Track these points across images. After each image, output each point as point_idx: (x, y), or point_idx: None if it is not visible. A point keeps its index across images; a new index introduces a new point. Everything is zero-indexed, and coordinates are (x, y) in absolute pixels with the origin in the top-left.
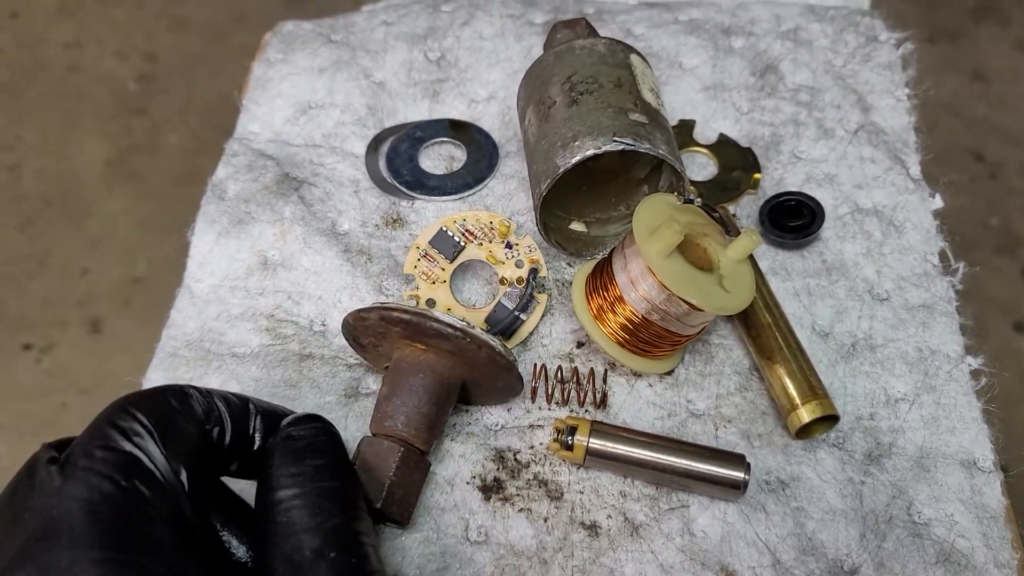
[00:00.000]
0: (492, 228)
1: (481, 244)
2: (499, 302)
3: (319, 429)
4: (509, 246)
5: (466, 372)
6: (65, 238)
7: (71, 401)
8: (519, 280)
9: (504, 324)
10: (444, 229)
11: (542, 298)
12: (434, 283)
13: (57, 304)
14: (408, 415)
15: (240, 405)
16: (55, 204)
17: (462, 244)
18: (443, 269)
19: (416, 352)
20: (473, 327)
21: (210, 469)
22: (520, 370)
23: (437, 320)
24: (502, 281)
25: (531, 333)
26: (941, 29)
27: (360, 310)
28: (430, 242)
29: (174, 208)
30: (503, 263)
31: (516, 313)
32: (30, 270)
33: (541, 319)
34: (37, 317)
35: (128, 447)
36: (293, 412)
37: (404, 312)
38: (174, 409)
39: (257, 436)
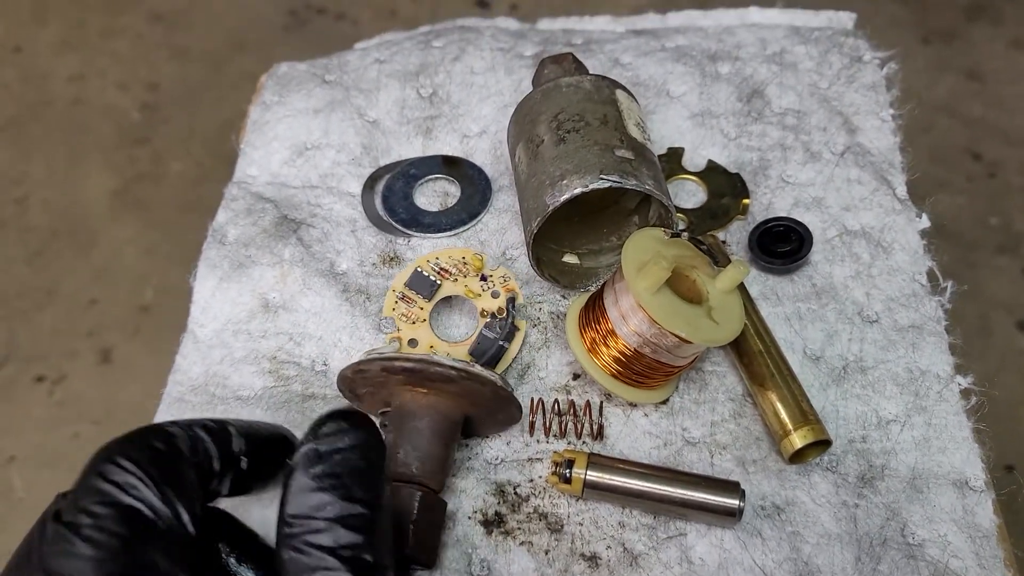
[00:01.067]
0: (465, 263)
1: (456, 280)
2: (482, 334)
3: (350, 437)
4: (484, 278)
5: (468, 408)
6: (73, 269)
7: (84, 432)
8: (500, 311)
9: (490, 354)
10: (419, 270)
11: (522, 324)
12: (414, 323)
13: (67, 335)
14: (421, 459)
15: (219, 429)
16: (62, 235)
17: (438, 282)
18: (422, 308)
19: (418, 396)
20: (474, 365)
21: (207, 501)
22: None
23: (440, 364)
24: (483, 313)
25: (514, 360)
26: (935, 30)
27: (360, 363)
28: (406, 284)
29: (180, 236)
30: (480, 296)
31: (500, 343)
32: (39, 302)
33: (537, 351)
34: (48, 349)
35: (127, 500)
36: (274, 427)
37: (407, 361)
38: (160, 451)
39: (243, 457)
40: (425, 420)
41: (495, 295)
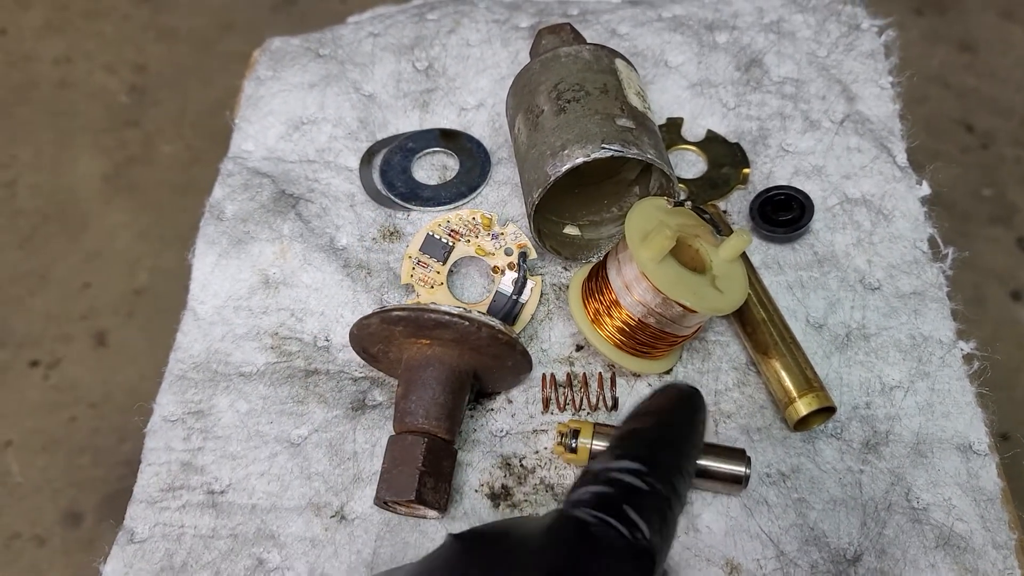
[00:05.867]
0: (476, 223)
1: (469, 241)
2: (496, 291)
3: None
4: (495, 236)
5: (474, 358)
6: (65, 253)
7: (81, 415)
8: (511, 265)
9: (504, 310)
10: (431, 234)
11: (536, 279)
12: (432, 287)
13: (61, 319)
14: (427, 408)
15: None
16: (53, 220)
17: (451, 244)
18: (438, 272)
19: (422, 348)
20: (470, 311)
21: None
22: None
23: (434, 311)
24: (495, 270)
25: (533, 317)
26: (928, 1)
27: (362, 318)
28: (420, 249)
29: (172, 218)
30: (493, 254)
31: (514, 297)
32: (32, 286)
33: (540, 323)
34: (42, 333)
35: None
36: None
37: (402, 310)
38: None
39: None
40: (429, 370)
41: (508, 252)
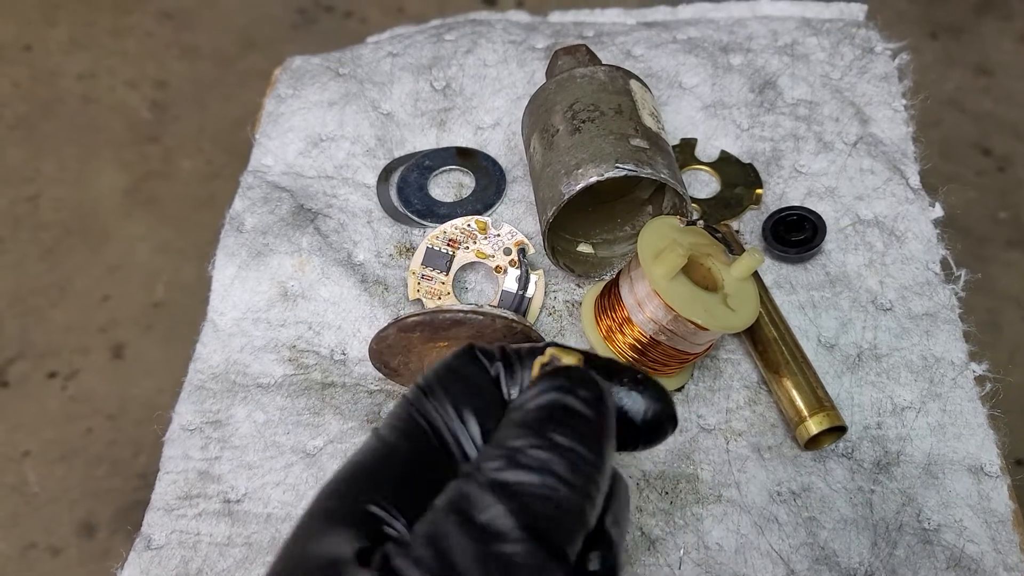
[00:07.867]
0: (471, 229)
1: (468, 248)
2: (502, 290)
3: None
4: (492, 239)
5: None
6: (85, 266)
7: (97, 426)
8: (512, 263)
9: (512, 307)
10: (430, 247)
11: (538, 273)
12: (439, 298)
13: (80, 331)
14: None
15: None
16: (75, 233)
17: (451, 253)
18: (443, 283)
19: (442, 351)
20: (482, 306)
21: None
22: None
23: (448, 310)
24: (497, 269)
25: (542, 310)
26: (943, 24)
27: (379, 331)
28: (422, 263)
29: (191, 232)
30: (492, 255)
31: (520, 293)
32: (52, 298)
33: (546, 295)
34: (61, 344)
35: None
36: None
37: (417, 315)
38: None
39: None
40: None
41: (507, 251)
